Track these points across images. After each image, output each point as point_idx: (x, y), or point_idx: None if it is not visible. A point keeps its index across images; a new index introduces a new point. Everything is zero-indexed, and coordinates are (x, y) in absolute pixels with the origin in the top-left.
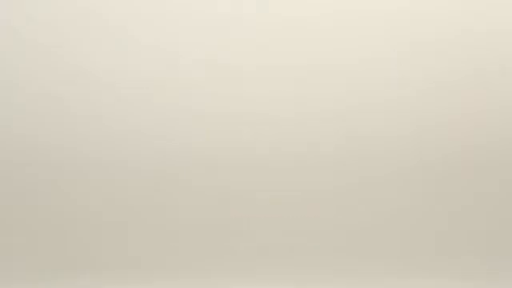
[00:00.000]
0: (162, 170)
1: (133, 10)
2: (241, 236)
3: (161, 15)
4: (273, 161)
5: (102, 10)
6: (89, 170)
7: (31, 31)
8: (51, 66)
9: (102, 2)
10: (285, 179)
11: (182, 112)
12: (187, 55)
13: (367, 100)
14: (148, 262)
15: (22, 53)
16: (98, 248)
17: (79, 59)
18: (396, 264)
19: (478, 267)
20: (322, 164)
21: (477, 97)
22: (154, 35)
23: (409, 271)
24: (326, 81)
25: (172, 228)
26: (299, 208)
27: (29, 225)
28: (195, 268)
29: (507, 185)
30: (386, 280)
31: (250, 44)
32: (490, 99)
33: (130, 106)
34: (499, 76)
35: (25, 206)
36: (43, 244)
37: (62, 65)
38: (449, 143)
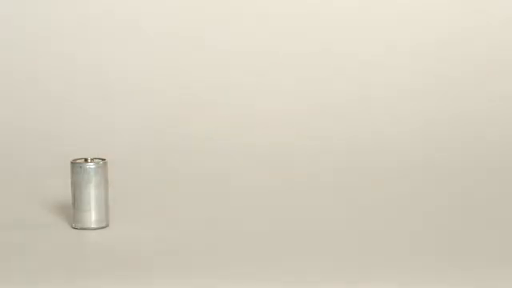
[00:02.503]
0: (163, 167)
1: (138, 6)
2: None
3: (166, 14)
4: (277, 158)
5: (104, 13)
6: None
7: (33, 28)
8: (52, 64)
9: (108, 3)
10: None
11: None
12: (189, 55)
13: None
14: (148, 262)
15: (22, 47)
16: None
17: (83, 58)
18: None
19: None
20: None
21: (476, 96)
22: (158, 33)
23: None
24: (329, 76)
25: (172, 227)
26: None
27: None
28: (195, 268)
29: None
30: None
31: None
32: (490, 98)
33: (131, 105)
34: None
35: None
36: (43, 244)
37: (64, 64)
38: (450, 141)
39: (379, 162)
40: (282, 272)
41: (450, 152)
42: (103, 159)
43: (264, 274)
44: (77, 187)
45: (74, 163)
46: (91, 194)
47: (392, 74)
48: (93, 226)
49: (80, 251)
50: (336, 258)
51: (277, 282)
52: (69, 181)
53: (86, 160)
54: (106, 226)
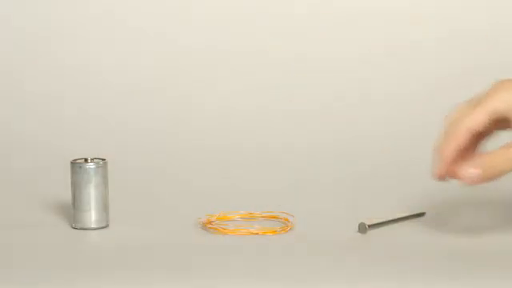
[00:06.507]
0: (163, 167)
1: (138, 6)
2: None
3: (164, 14)
4: (281, 158)
5: (104, 13)
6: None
7: (32, 28)
8: (52, 64)
9: (108, 3)
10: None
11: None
12: (188, 53)
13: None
14: (148, 262)
15: (22, 47)
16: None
17: (80, 58)
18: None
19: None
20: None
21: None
22: (158, 33)
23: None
24: (326, 76)
25: (172, 227)
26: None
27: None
28: (195, 268)
29: None
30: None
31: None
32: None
33: (131, 105)
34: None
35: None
36: (43, 244)
37: (62, 63)
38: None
39: (379, 162)
40: (281, 272)
41: None
42: (103, 159)
43: (264, 274)
44: (77, 187)
45: (73, 163)
46: (91, 194)
47: (392, 73)
48: (93, 226)
49: (80, 251)
50: (336, 258)
51: (277, 282)
52: (69, 181)
53: (86, 160)
54: (106, 226)
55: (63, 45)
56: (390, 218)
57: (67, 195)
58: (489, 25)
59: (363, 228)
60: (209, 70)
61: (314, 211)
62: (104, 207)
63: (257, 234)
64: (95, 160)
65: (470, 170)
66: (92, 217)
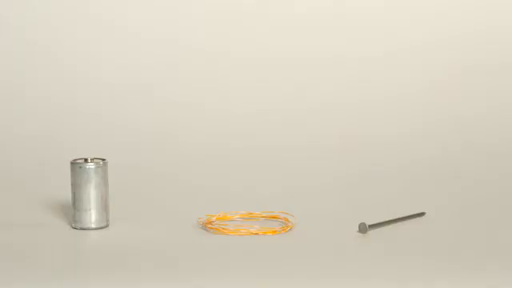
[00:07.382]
0: (163, 167)
1: (138, 8)
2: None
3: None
4: (279, 157)
5: (104, 13)
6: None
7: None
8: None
9: (108, 3)
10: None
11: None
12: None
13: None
14: (148, 262)
15: (22, 52)
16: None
17: (79, 59)
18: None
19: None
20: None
21: (474, 96)
22: (154, 33)
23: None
24: (327, 75)
25: (172, 227)
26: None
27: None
28: (195, 268)
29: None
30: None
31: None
32: (490, 99)
33: (131, 105)
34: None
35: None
36: (43, 244)
37: (62, 64)
38: (448, 141)
39: (379, 162)
40: (281, 272)
41: (450, 152)
42: (103, 159)
43: (264, 274)
44: (77, 187)
45: (73, 163)
46: (91, 194)
47: (392, 74)
48: (93, 226)
49: (80, 251)
50: (336, 258)
51: (277, 282)
52: (69, 181)
53: (86, 160)
54: (106, 226)
55: (63, 45)
56: (390, 218)
57: (67, 195)
58: (489, 25)
59: (363, 228)
60: (209, 70)
61: (314, 211)
62: (104, 207)
63: (257, 234)
64: (95, 160)
65: None
66: (92, 217)
